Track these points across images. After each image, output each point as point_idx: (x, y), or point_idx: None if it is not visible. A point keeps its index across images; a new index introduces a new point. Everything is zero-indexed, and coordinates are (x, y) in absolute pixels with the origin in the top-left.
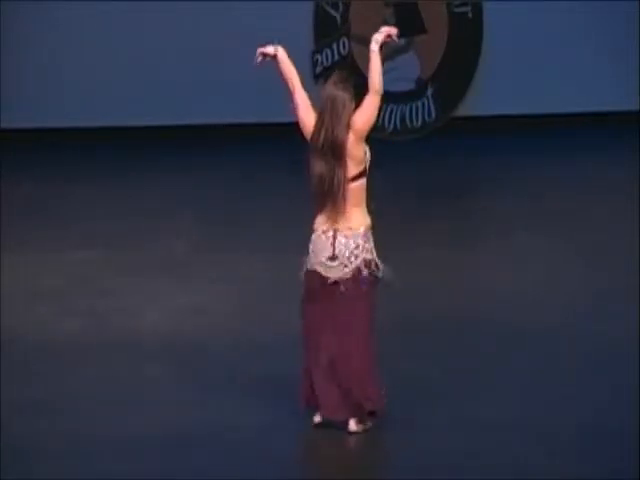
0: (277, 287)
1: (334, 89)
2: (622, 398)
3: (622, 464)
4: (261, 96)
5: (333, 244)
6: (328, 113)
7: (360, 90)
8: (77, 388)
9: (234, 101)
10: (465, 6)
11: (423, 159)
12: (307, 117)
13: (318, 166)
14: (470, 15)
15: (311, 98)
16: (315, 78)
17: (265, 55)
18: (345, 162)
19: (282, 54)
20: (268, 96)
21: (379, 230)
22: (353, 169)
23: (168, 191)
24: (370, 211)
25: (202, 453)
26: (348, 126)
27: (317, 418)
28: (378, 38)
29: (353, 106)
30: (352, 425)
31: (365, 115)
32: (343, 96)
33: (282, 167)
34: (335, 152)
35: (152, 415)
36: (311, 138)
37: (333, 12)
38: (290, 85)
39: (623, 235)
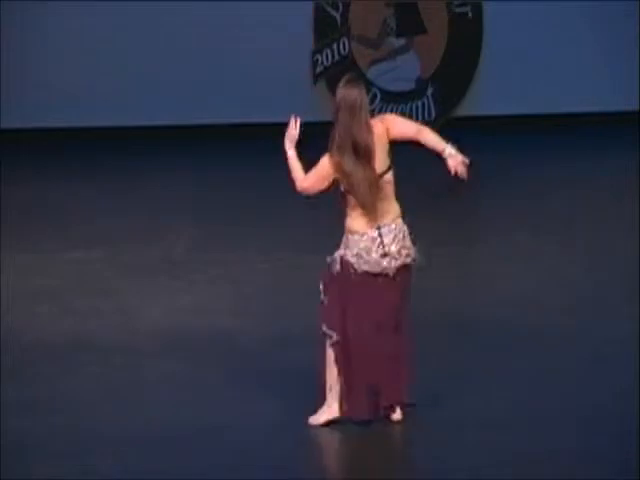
0: (277, 287)
1: (348, 89)
2: (622, 398)
3: (622, 464)
4: (261, 96)
5: (382, 242)
6: (346, 114)
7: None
8: (77, 388)
9: (234, 101)
10: (465, 6)
11: (423, 159)
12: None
13: (346, 166)
14: (470, 15)
15: (311, 97)
16: (315, 78)
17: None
18: (373, 160)
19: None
20: (268, 96)
21: None
22: (381, 164)
23: (168, 191)
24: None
25: (202, 453)
26: (368, 123)
27: (322, 418)
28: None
29: (368, 102)
30: (397, 414)
31: (404, 125)
32: (358, 95)
33: (282, 167)
34: (360, 152)
35: (152, 415)
36: (333, 140)
37: (333, 12)
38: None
39: (623, 235)
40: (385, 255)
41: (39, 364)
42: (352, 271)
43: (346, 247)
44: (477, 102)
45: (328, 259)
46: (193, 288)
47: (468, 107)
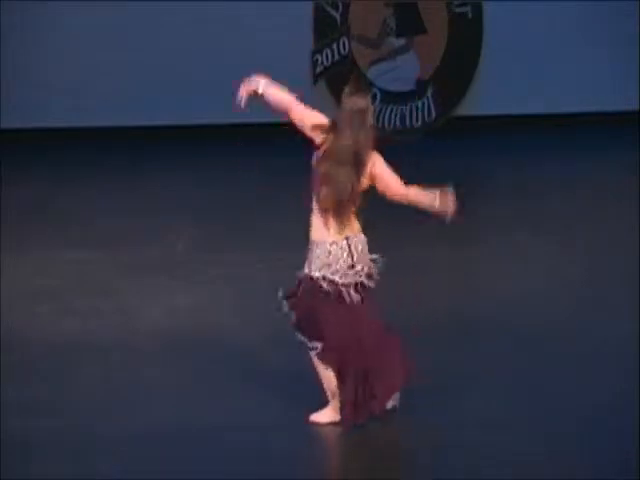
0: (277, 287)
1: (356, 100)
2: (622, 398)
3: (622, 464)
4: None
5: (350, 253)
6: (355, 124)
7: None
8: (77, 388)
9: (234, 101)
10: (465, 6)
11: (423, 159)
12: (315, 129)
13: (338, 175)
14: (470, 15)
15: (311, 97)
16: (315, 78)
17: (248, 94)
18: (364, 171)
19: (266, 88)
20: None
21: (377, 231)
22: (366, 180)
23: (168, 191)
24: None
25: (202, 453)
26: (371, 134)
27: (325, 419)
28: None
29: (372, 110)
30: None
31: (386, 178)
32: (366, 104)
33: (282, 167)
34: (357, 161)
35: (152, 415)
36: (330, 148)
37: (333, 12)
38: (283, 109)
39: (623, 235)
40: (353, 266)
41: (39, 364)
42: (318, 288)
43: (310, 262)
44: (477, 102)
45: (298, 274)
46: (193, 288)
47: (468, 107)
